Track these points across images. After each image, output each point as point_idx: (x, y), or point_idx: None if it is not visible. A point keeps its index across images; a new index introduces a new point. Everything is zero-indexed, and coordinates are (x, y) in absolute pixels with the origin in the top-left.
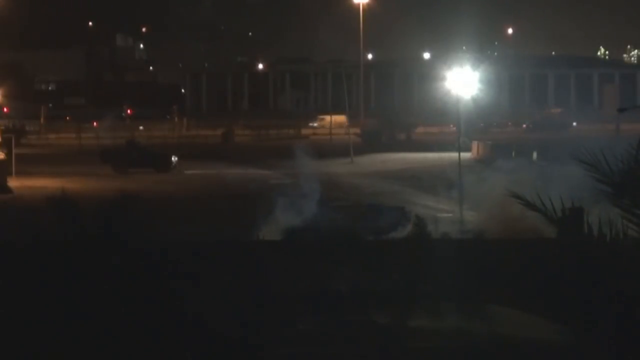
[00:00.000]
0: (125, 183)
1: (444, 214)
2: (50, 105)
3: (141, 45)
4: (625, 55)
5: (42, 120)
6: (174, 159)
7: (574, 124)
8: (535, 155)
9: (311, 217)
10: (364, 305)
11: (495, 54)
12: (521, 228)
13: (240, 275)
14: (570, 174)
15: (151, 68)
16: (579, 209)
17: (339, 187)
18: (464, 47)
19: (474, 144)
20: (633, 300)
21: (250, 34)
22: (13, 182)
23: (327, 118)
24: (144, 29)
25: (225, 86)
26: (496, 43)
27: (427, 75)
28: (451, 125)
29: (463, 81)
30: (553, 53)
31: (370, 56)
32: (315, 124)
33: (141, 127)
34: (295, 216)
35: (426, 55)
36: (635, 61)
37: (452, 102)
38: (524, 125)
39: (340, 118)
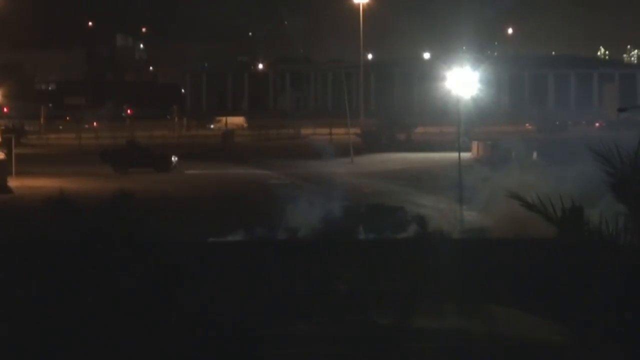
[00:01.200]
0: (125, 183)
1: (444, 214)
2: (50, 105)
3: (141, 45)
4: (625, 55)
5: (42, 120)
6: (174, 159)
7: None
8: (535, 155)
9: (311, 217)
10: (364, 305)
11: (495, 54)
12: (521, 227)
13: (240, 275)
14: (568, 174)
15: (151, 68)
16: (579, 208)
17: (339, 187)
18: (464, 47)
19: (474, 144)
20: (633, 300)
21: (250, 34)
22: (13, 182)
23: (224, 119)
24: (144, 29)
25: (225, 86)
26: (496, 43)
27: (427, 75)
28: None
29: (463, 81)
30: (553, 53)
31: (370, 56)
32: (212, 126)
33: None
34: (295, 216)
35: (426, 55)
36: (635, 61)
37: (452, 102)
38: (597, 124)
39: (239, 120)
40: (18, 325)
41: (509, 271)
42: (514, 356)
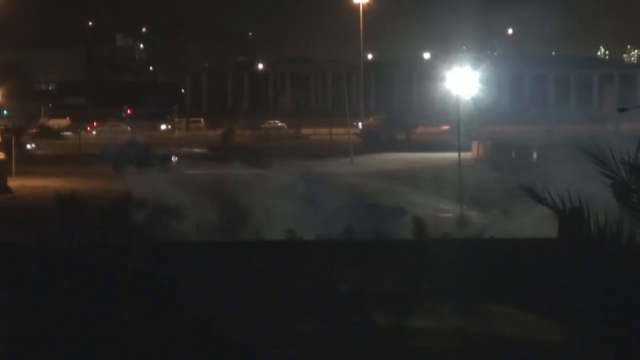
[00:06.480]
0: (125, 183)
1: (444, 214)
2: (50, 105)
3: (141, 45)
4: (625, 55)
5: (42, 120)
6: (173, 159)
7: None
8: (535, 155)
9: (311, 216)
10: (364, 305)
11: (495, 54)
12: (520, 227)
13: (240, 275)
14: (568, 174)
15: (151, 68)
16: (579, 208)
17: (339, 187)
18: (464, 47)
19: (474, 144)
20: (633, 300)
21: (250, 34)
22: (13, 182)
23: (49, 121)
24: (144, 29)
25: (225, 86)
26: (496, 43)
27: (427, 75)
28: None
29: (463, 81)
30: (553, 53)
31: (370, 56)
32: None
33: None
34: (294, 216)
35: (426, 55)
36: (635, 61)
37: (452, 102)
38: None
39: (64, 122)
40: (17, 326)
41: (509, 271)
42: (514, 356)
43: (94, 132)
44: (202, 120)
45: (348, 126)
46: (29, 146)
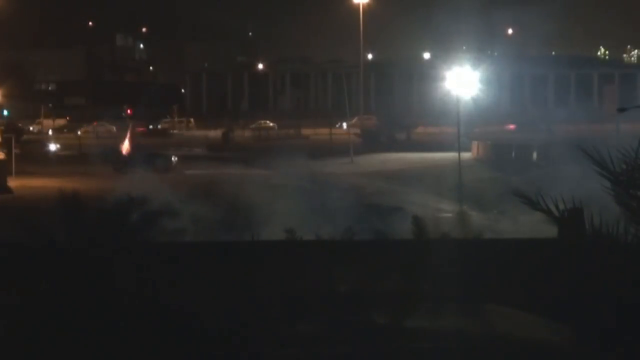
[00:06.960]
0: (125, 183)
1: (444, 214)
2: (50, 105)
3: (141, 45)
4: (625, 55)
5: (42, 120)
6: (173, 159)
7: None
8: (535, 155)
9: (311, 216)
10: (364, 305)
11: (496, 53)
12: (520, 226)
13: (239, 276)
14: (568, 174)
15: (151, 68)
16: (579, 209)
17: (339, 187)
18: (464, 47)
19: (474, 144)
20: (633, 300)
21: (250, 34)
22: (13, 182)
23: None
24: (144, 29)
25: (225, 86)
26: (496, 43)
27: (427, 75)
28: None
29: (463, 81)
30: (553, 53)
31: (370, 56)
32: (31, 128)
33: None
34: (295, 216)
35: (426, 55)
36: (635, 61)
37: (452, 102)
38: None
39: (61, 122)
40: (16, 325)
41: (509, 271)
42: (514, 356)
43: (78, 132)
44: (192, 120)
45: (347, 126)
46: (53, 147)
